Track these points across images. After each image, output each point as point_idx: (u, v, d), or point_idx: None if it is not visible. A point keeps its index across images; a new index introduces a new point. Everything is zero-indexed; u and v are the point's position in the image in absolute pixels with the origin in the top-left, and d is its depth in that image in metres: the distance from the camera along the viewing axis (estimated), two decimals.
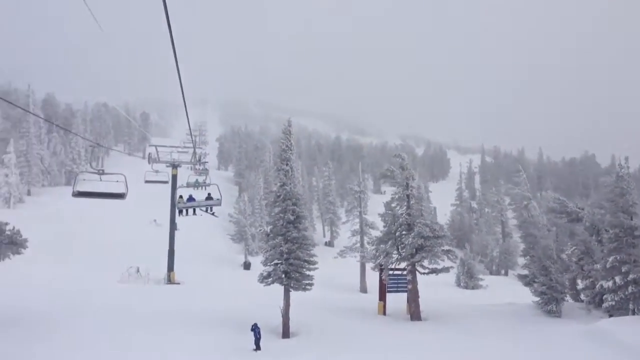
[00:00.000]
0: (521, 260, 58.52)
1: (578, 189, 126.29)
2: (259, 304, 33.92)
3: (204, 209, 38.42)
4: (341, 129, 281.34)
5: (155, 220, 71.23)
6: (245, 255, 65.30)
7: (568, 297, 36.16)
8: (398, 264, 35.40)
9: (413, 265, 34.23)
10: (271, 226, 30.55)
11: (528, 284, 35.66)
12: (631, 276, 29.40)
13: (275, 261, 29.05)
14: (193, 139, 36.41)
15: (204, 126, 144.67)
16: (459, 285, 62.95)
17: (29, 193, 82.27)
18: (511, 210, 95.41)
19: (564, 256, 37.62)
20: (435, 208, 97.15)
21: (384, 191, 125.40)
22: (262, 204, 79.73)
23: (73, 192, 21.33)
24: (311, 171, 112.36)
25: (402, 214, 35.25)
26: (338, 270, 57.05)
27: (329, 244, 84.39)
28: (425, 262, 34.63)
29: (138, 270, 47.38)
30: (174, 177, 45.32)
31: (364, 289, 54.50)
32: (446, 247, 34.59)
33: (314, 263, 29.32)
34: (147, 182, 41.30)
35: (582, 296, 36.71)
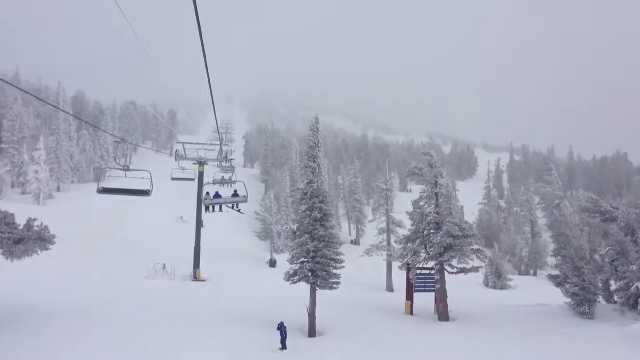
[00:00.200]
0: (551, 261, 57.49)
1: (610, 189, 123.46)
2: (284, 302, 33.75)
3: (230, 205, 38.32)
4: (367, 127, 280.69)
5: (181, 217, 71.67)
6: (271, 253, 65.23)
7: (601, 299, 35.20)
8: (426, 263, 34.89)
9: (441, 264, 33.67)
10: (298, 224, 30.23)
11: (559, 284, 34.77)
12: None
13: (302, 259, 28.74)
14: (220, 136, 36.25)
15: (231, 124, 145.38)
16: (487, 285, 62.04)
17: (58, 189, 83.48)
18: (541, 209, 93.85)
19: (597, 257, 36.60)
20: (462, 207, 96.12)
21: (410, 189, 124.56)
22: (288, 201, 79.67)
23: (98, 188, 21.36)
24: (337, 169, 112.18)
25: (430, 212, 34.73)
26: (364, 269, 56.65)
27: (355, 242, 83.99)
28: (454, 262, 34.04)
29: (164, 268, 47.57)
30: (201, 174, 45.40)
31: (390, 288, 53.94)
32: (476, 247, 33.92)
33: (341, 262, 28.88)
34: (173, 179, 41.39)
35: (616, 298, 35.69)
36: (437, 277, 33.82)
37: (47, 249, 27.11)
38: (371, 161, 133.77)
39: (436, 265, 33.97)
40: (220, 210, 38.64)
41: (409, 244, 35.30)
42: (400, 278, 44.60)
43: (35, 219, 26.83)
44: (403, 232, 49.55)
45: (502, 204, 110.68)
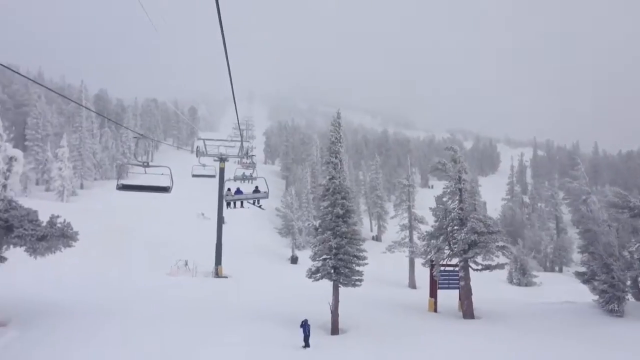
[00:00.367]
0: (577, 257, 56.35)
1: (636, 183, 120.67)
2: (306, 299, 33.49)
3: (251, 201, 38.15)
4: (386, 122, 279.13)
5: (203, 214, 71.85)
6: (292, 249, 65.11)
7: (630, 296, 34.33)
8: (449, 260, 34.35)
9: (466, 261, 33.11)
10: (320, 220, 29.91)
11: (587, 281, 34.03)
12: None
13: (324, 256, 28.38)
14: (240, 132, 35.96)
15: (251, 120, 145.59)
16: (511, 282, 61.18)
17: (81, 186, 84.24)
18: (565, 205, 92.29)
19: (625, 253, 35.69)
20: (485, 203, 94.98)
21: (432, 185, 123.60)
22: (309, 197, 79.47)
23: (117, 185, 21.20)
24: (358, 165, 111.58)
25: (454, 208, 34.22)
26: (385, 265, 56.15)
27: (377, 238, 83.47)
28: (479, 259, 33.44)
29: (186, 264, 47.67)
30: (222, 170, 45.33)
31: (412, 285, 53.47)
32: (501, 243, 33.31)
33: (364, 258, 28.46)
34: (194, 176, 41.31)
35: None
36: (461, 274, 33.26)
37: (70, 246, 27.08)
38: (392, 157, 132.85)
39: (460, 262, 33.43)
40: (242, 206, 38.49)
41: (432, 240, 34.81)
42: (422, 275, 44.08)
43: (58, 216, 26.82)
44: (425, 228, 49.04)
45: (526, 199, 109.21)
